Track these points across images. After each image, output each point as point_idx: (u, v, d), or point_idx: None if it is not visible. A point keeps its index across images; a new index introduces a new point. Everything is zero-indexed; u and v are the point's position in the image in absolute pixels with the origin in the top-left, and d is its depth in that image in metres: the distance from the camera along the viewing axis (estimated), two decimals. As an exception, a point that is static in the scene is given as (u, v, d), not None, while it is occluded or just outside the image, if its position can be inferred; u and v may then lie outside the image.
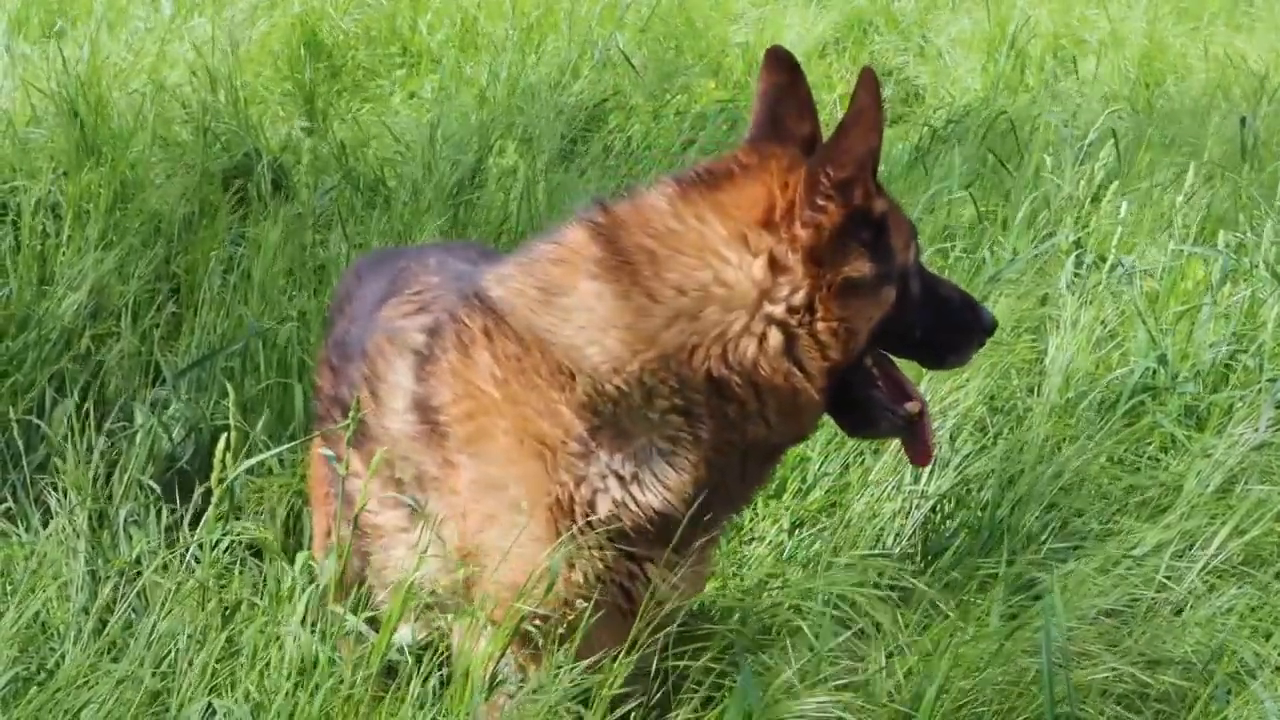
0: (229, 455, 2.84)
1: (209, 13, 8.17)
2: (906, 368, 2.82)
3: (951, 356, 2.88)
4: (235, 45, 6.69)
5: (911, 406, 2.72)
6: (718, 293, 2.54)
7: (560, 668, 2.59)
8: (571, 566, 2.58)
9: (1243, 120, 6.71)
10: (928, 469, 3.75)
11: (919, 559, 3.66)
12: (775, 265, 2.55)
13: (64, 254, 4.73)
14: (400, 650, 2.77)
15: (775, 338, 2.55)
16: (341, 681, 2.68)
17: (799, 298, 2.54)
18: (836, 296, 2.55)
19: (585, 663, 2.60)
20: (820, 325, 2.55)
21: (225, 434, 2.88)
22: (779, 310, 2.54)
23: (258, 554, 3.32)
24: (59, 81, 5.87)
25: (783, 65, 2.71)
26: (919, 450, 2.78)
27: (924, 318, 2.71)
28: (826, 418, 2.75)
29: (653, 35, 8.32)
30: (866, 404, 2.70)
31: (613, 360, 2.55)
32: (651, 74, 7.47)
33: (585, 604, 2.60)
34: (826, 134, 2.63)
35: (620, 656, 2.62)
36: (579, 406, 2.57)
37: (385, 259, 3.35)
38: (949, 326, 2.78)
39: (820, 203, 2.54)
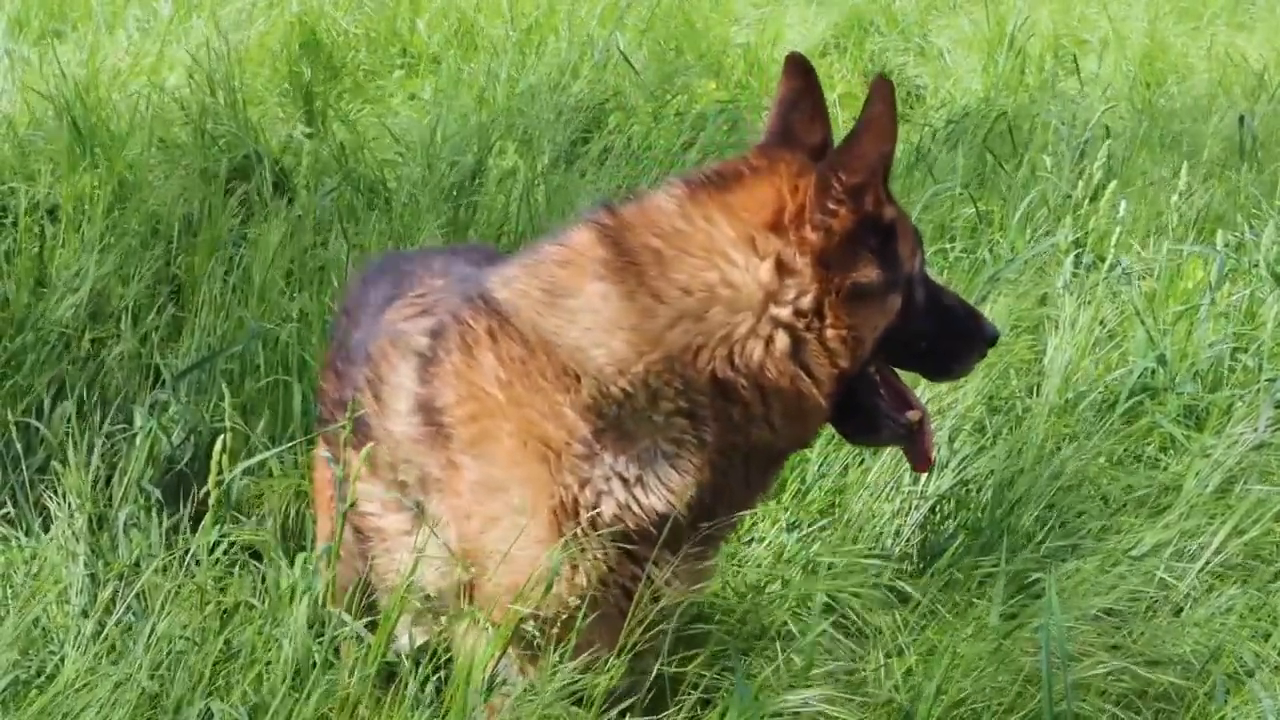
0: (225, 457, 2.84)
1: (206, 13, 8.17)
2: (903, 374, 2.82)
3: (955, 366, 2.88)
4: (232, 47, 6.68)
5: (913, 415, 2.72)
6: (724, 294, 2.54)
7: (556, 668, 2.59)
8: (575, 569, 2.58)
9: (1241, 119, 6.71)
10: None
11: (918, 559, 3.66)
12: (783, 268, 2.54)
13: (61, 255, 4.74)
14: (398, 654, 2.77)
15: (782, 341, 2.55)
16: (339, 683, 2.68)
17: (806, 301, 2.54)
18: (845, 303, 2.55)
19: (582, 659, 2.61)
20: (830, 332, 2.55)
21: (221, 436, 2.88)
22: (785, 313, 2.54)
23: (257, 556, 3.32)
24: (57, 84, 5.87)
25: (797, 71, 2.72)
26: (919, 457, 2.79)
27: (928, 326, 2.71)
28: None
29: (653, 36, 8.31)
30: (870, 412, 2.70)
31: (618, 362, 2.55)
32: (652, 75, 7.47)
33: (588, 606, 2.60)
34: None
35: (616, 657, 2.62)
36: (584, 409, 2.56)
37: (391, 263, 3.35)
38: (952, 335, 2.78)
39: (831, 207, 2.54)
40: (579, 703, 2.61)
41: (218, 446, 2.83)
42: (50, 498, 3.37)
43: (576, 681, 2.60)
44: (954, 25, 9.17)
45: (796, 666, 2.95)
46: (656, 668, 2.72)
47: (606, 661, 2.62)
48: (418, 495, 2.69)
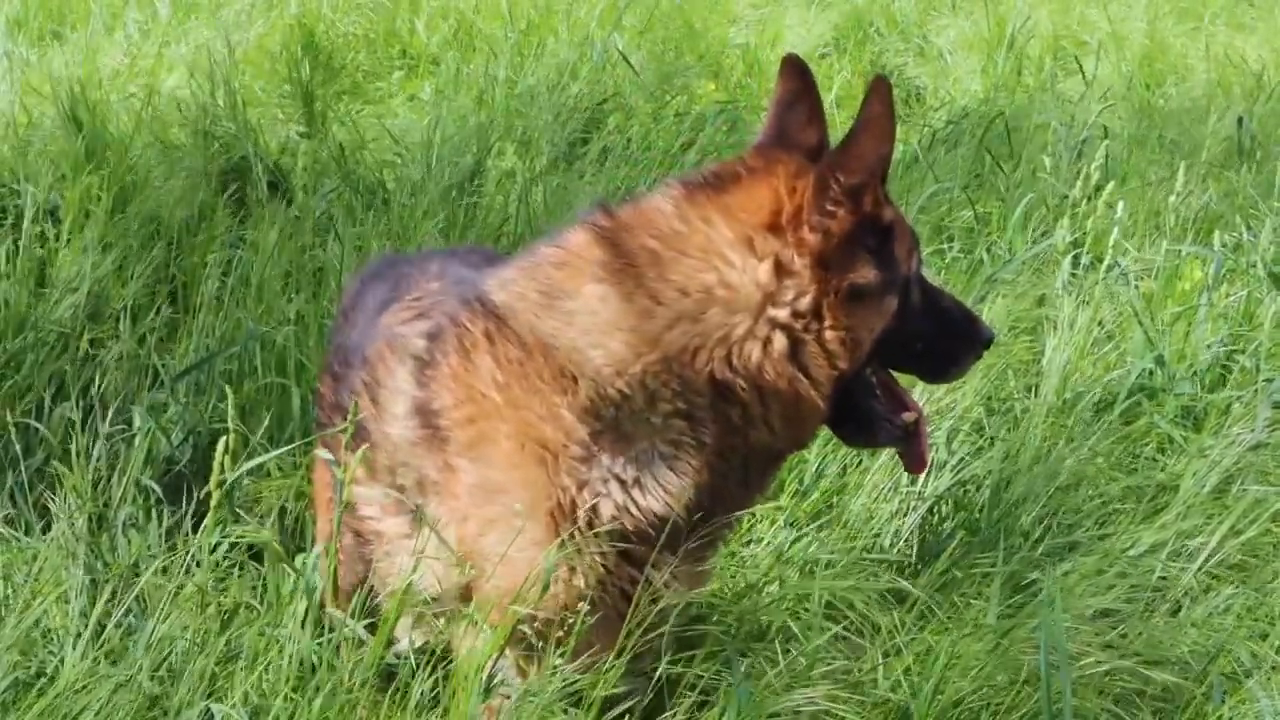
0: (228, 458, 2.84)
1: (204, 15, 8.18)
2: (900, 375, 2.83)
3: (952, 368, 2.88)
4: (232, 48, 6.69)
5: (909, 416, 2.73)
6: (721, 295, 2.54)
7: (555, 669, 2.59)
8: (573, 571, 2.59)
9: (1239, 120, 6.72)
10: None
11: (916, 560, 3.67)
12: (781, 269, 2.55)
13: (63, 256, 4.74)
14: (399, 656, 2.77)
15: (780, 342, 2.55)
16: (340, 685, 2.69)
17: (805, 303, 2.54)
18: (843, 304, 2.55)
19: (580, 661, 2.61)
20: (829, 334, 2.55)
21: (224, 437, 2.88)
22: (783, 314, 2.54)
23: (257, 556, 3.32)
24: (57, 86, 5.88)
25: (794, 73, 2.72)
26: (914, 459, 2.79)
27: (924, 328, 2.71)
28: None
29: (652, 37, 8.31)
30: (867, 413, 2.71)
31: (615, 363, 2.55)
32: (651, 75, 7.47)
33: (586, 608, 2.61)
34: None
35: (615, 658, 2.62)
36: (581, 410, 2.56)
37: (389, 266, 3.35)
38: (948, 336, 2.78)
39: (829, 208, 2.54)
40: (578, 704, 2.61)
41: (220, 446, 2.83)
42: (50, 498, 3.37)
43: (575, 683, 2.60)
44: (954, 26, 9.17)
45: (796, 667, 2.95)
46: (655, 669, 2.72)
47: (605, 663, 2.63)
48: (416, 498, 2.69)
